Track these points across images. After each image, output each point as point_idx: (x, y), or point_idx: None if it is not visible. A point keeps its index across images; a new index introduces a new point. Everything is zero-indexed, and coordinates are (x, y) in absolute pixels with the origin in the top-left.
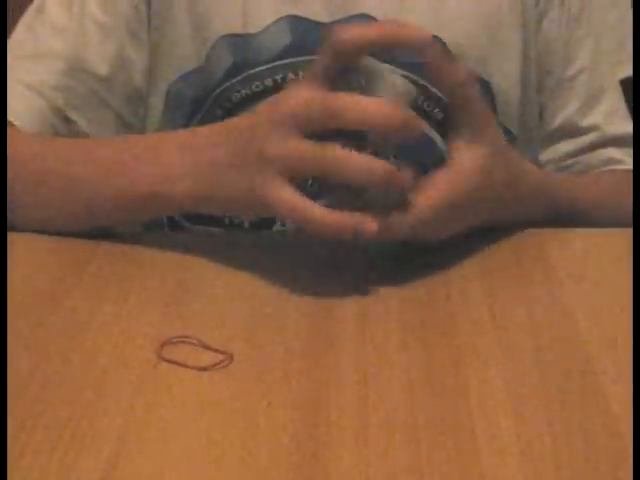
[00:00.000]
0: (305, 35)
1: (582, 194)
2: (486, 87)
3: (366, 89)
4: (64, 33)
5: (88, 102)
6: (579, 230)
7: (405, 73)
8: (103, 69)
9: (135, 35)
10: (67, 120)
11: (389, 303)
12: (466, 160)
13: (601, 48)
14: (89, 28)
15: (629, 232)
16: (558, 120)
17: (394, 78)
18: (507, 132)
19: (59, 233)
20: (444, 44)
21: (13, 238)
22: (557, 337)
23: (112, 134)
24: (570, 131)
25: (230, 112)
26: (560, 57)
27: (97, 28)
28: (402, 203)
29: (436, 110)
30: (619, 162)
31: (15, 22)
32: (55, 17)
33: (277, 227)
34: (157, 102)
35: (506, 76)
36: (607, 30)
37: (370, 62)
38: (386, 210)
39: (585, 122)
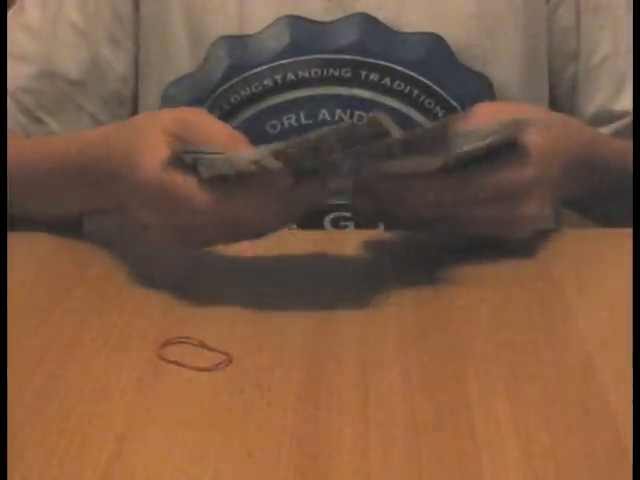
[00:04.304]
0: (304, 35)
1: (616, 149)
2: (486, 83)
3: None
4: (37, 36)
5: (59, 105)
6: (579, 230)
7: None
8: (75, 72)
9: (115, 39)
10: (38, 121)
11: (390, 305)
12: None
13: (619, 34)
14: (63, 31)
15: (629, 232)
16: (592, 108)
17: None
18: None
19: (60, 233)
20: (444, 41)
21: (13, 238)
22: (557, 337)
23: None
24: (606, 118)
25: (229, 114)
26: (582, 46)
27: (72, 31)
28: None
29: (437, 107)
30: None
31: None
32: (30, 19)
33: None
34: (152, 106)
35: (507, 74)
36: (620, 17)
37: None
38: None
39: (618, 107)
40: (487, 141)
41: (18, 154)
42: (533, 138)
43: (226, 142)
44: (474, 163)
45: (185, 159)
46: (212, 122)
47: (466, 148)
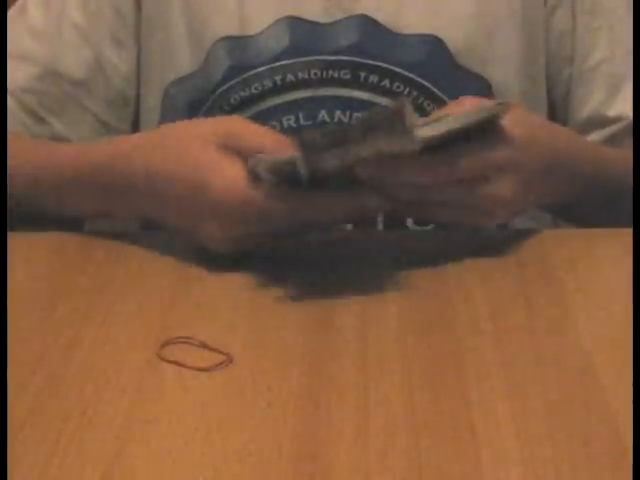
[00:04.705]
0: (304, 36)
1: (612, 159)
2: (485, 85)
3: None
4: (40, 36)
5: (63, 105)
6: (579, 230)
7: None
8: (79, 73)
9: (117, 39)
10: (42, 121)
11: (389, 304)
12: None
13: (615, 38)
14: (66, 31)
15: (629, 232)
16: (585, 112)
17: None
18: None
19: (60, 233)
20: (443, 43)
21: (13, 238)
22: (557, 337)
23: (92, 136)
24: (599, 122)
25: (228, 114)
26: (577, 49)
27: (75, 31)
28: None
29: (436, 109)
30: None
31: None
32: (33, 19)
33: None
34: (153, 106)
35: (505, 75)
36: (618, 20)
37: None
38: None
39: (612, 112)
40: (463, 121)
41: (28, 160)
42: (512, 123)
43: (275, 146)
44: (453, 145)
45: (257, 171)
46: (259, 130)
47: (444, 128)
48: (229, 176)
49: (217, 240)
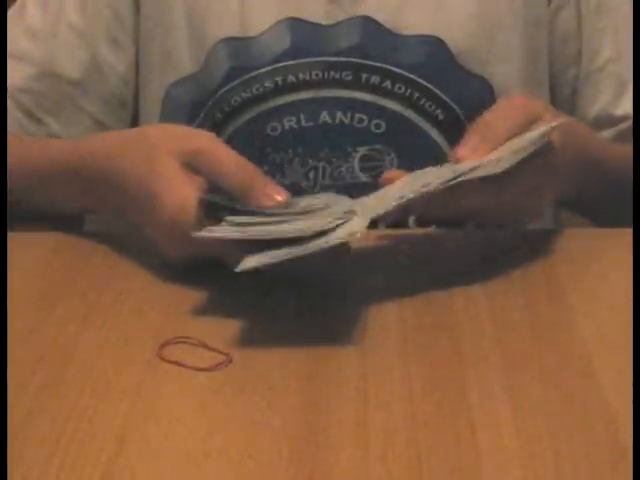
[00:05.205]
0: (305, 37)
1: (623, 156)
2: (486, 85)
3: None
4: (38, 36)
5: (59, 105)
6: (579, 230)
7: None
8: (75, 73)
9: (114, 40)
10: (39, 122)
11: (390, 305)
12: None
13: (621, 38)
14: (64, 32)
15: (629, 232)
16: (593, 111)
17: None
18: None
19: (60, 232)
20: (445, 44)
21: (13, 238)
22: (557, 337)
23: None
24: (607, 121)
25: (230, 115)
26: (584, 49)
27: (72, 32)
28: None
29: (437, 110)
30: None
31: None
32: (31, 19)
33: None
34: (153, 106)
35: (506, 76)
36: (622, 20)
37: None
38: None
39: (619, 111)
40: (523, 155)
41: (23, 155)
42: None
43: (240, 174)
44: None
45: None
46: (226, 153)
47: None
48: (182, 198)
49: (164, 254)
